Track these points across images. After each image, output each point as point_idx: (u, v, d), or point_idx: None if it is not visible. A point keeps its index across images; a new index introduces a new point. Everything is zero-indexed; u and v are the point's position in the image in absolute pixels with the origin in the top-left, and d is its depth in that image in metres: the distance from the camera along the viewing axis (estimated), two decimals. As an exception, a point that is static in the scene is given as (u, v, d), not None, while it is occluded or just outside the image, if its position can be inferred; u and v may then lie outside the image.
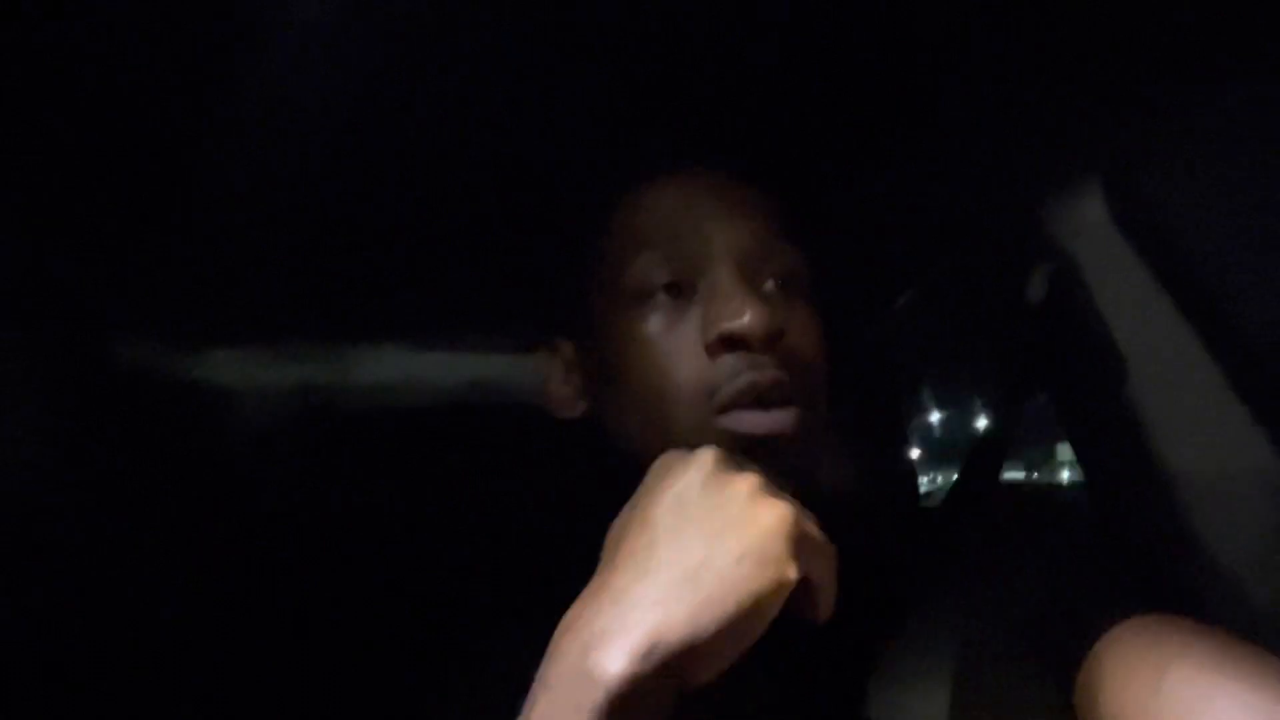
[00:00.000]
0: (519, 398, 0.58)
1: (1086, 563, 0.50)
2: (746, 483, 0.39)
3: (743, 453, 0.43)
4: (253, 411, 0.71)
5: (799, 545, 0.37)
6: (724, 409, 0.47)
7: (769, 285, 0.50)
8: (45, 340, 0.61)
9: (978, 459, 0.73)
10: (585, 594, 0.37)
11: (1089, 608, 0.45)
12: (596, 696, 0.33)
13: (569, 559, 0.41)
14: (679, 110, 0.58)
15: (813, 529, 0.39)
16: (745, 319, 0.46)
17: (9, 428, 0.59)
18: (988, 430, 0.87)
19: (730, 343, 0.47)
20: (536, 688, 0.35)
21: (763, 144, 0.57)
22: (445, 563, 0.63)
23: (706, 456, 0.40)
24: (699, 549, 0.36)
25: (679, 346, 0.48)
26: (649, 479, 0.41)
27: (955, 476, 0.92)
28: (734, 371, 0.46)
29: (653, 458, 0.44)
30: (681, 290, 0.49)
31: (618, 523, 0.41)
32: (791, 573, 0.36)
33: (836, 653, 0.47)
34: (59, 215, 0.58)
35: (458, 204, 0.65)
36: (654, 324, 0.49)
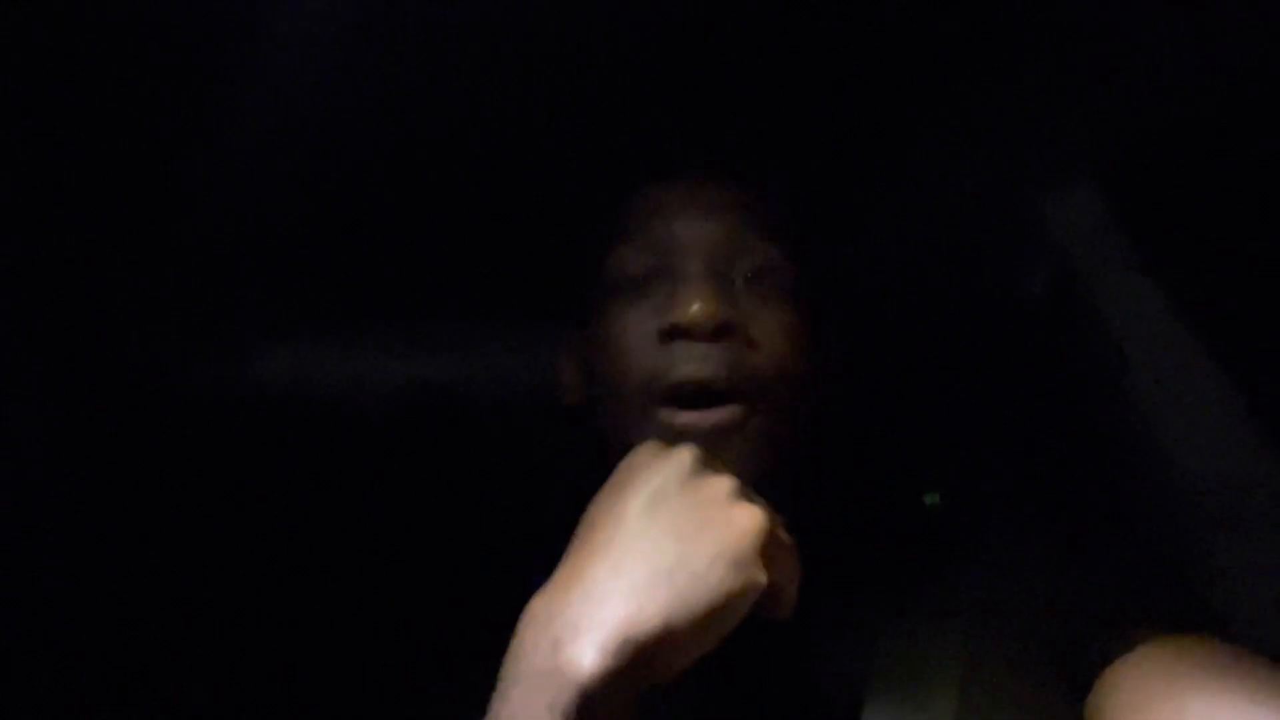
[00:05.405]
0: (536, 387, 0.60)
1: (1101, 569, 0.49)
2: (723, 485, 0.39)
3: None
4: (252, 409, 0.71)
5: (769, 550, 0.37)
6: (664, 400, 0.48)
7: (739, 282, 0.51)
8: (45, 340, 0.62)
9: (985, 464, 0.72)
10: (552, 584, 0.36)
11: (1105, 618, 0.44)
12: (569, 694, 0.32)
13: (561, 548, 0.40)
14: (666, 114, 0.58)
15: (782, 534, 0.39)
16: (693, 308, 0.47)
17: (9, 428, 0.59)
18: (995, 435, 0.86)
19: (678, 332, 0.48)
20: (505, 682, 0.34)
21: (752, 145, 0.58)
22: (444, 557, 0.63)
23: (684, 454, 0.40)
24: (674, 547, 0.36)
25: (637, 336, 0.50)
26: (623, 470, 0.41)
27: (958, 477, 0.91)
28: (677, 362, 0.48)
29: (619, 445, 0.44)
30: (651, 282, 0.51)
31: (590, 512, 0.40)
32: (762, 577, 0.36)
33: (839, 653, 0.47)
34: (59, 215, 0.59)
35: (463, 205, 0.66)
36: (622, 313, 0.51)
